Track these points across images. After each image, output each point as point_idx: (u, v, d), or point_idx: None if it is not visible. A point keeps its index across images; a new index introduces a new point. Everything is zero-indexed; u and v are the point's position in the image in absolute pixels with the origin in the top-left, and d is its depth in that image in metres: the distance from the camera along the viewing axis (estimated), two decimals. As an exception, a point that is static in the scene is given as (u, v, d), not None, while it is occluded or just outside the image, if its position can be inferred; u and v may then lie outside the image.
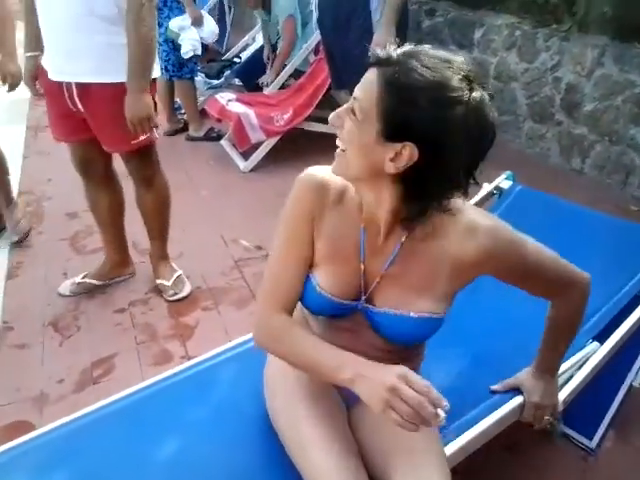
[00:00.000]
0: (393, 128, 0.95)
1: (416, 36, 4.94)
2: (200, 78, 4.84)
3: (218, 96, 4.23)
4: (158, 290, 2.59)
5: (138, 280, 2.69)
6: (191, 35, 4.16)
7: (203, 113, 4.54)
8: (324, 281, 1.15)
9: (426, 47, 0.99)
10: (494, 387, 1.42)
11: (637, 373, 1.76)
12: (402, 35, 3.01)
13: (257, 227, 3.11)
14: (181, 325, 2.39)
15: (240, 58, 5.47)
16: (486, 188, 2.25)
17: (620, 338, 1.60)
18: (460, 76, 0.94)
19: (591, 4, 3.48)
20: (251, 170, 3.92)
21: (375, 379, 0.98)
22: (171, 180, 2.94)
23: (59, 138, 2.35)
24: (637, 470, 1.72)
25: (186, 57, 4.19)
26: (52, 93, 2.20)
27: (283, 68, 4.49)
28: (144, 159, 2.35)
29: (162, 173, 2.49)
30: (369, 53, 1.00)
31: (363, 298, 1.17)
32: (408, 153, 0.95)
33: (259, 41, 5.32)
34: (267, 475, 1.26)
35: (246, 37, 5.72)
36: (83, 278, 2.64)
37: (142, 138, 2.19)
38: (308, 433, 1.15)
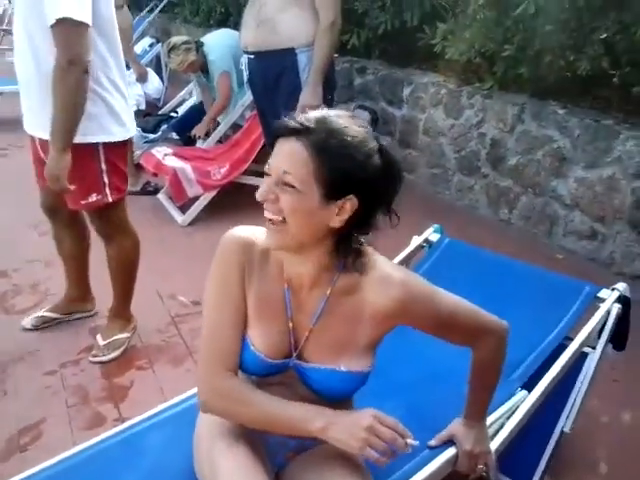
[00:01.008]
0: (335, 188, 1.06)
1: (348, 93, 5.13)
2: (137, 132, 4.82)
3: (154, 150, 4.24)
4: (91, 349, 2.51)
5: (70, 340, 2.60)
6: (135, 91, 4.18)
7: (139, 167, 4.51)
8: (257, 340, 1.18)
9: (326, 111, 1.12)
10: (430, 443, 1.44)
11: (567, 418, 1.82)
12: (330, 94, 3.13)
13: (195, 282, 3.07)
14: (115, 386, 2.32)
15: (177, 112, 5.50)
16: (415, 241, 2.32)
17: (547, 385, 1.66)
18: (365, 129, 1.10)
19: (509, 65, 3.72)
20: (189, 224, 3.91)
21: (350, 423, 1.10)
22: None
23: (40, 185, 2.44)
24: (572, 514, 1.76)
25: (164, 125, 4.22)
26: (31, 143, 2.35)
27: (215, 122, 4.54)
28: (101, 218, 2.36)
29: (127, 233, 2.46)
30: (286, 119, 1.08)
31: (294, 355, 1.21)
32: (350, 205, 1.07)
33: (196, 96, 5.38)
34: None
35: (183, 92, 5.78)
36: (44, 311, 2.71)
37: (92, 200, 2.22)
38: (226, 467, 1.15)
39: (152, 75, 4.29)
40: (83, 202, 2.23)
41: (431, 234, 2.34)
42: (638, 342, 2.01)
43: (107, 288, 2.61)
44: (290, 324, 1.20)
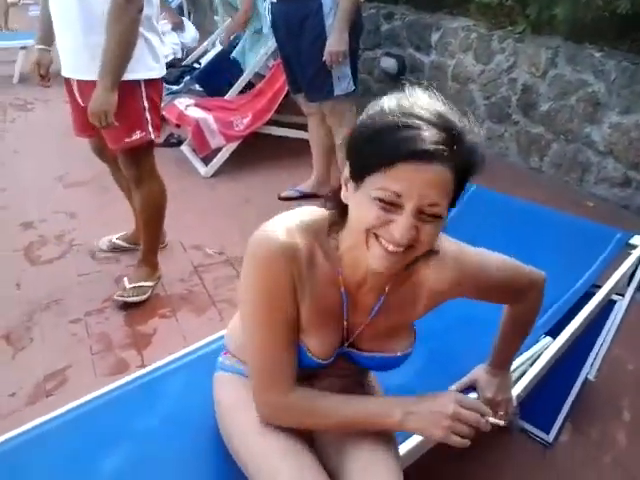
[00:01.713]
0: (458, 196, 0.94)
1: (375, 40, 4.99)
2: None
3: (177, 102, 4.19)
4: (115, 299, 2.54)
5: (95, 289, 2.63)
6: (171, 39, 4.13)
7: (162, 119, 4.48)
8: (314, 347, 1.10)
9: (446, 112, 0.92)
10: (451, 387, 1.42)
11: (591, 366, 1.78)
12: (355, 39, 3.02)
13: (217, 232, 3.08)
14: (138, 334, 2.34)
15: (200, 64, 5.41)
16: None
17: (572, 333, 1.62)
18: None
19: (543, 6, 3.54)
20: (212, 175, 3.88)
21: (431, 411, 1.04)
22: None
23: (77, 133, 2.50)
24: (594, 462, 1.74)
25: (166, 60, 4.15)
26: (68, 89, 2.34)
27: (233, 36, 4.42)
28: (133, 159, 2.38)
29: (156, 178, 2.50)
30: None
31: (346, 344, 1.16)
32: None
33: (219, 46, 5.28)
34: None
35: (206, 42, 5.67)
36: (115, 238, 2.90)
37: (135, 137, 2.25)
38: (261, 442, 1.11)
39: (188, 24, 4.20)
40: (127, 140, 2.25)
41: (458, 181, 2.28)
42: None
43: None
44: (345, 323, 1.13)
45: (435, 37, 4.40)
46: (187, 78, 5.02)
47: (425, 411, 1.04)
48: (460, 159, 0.88)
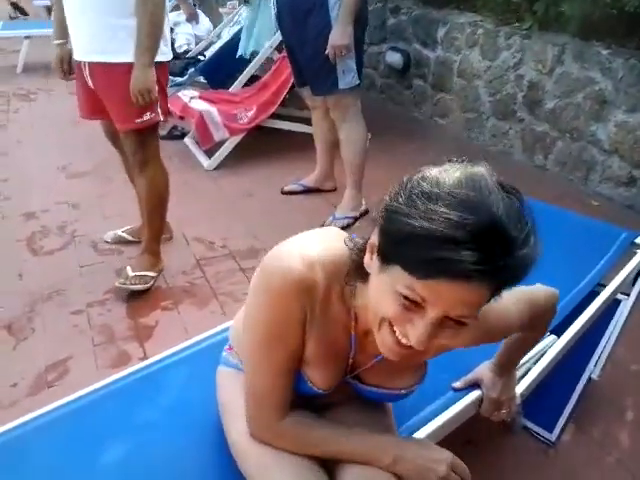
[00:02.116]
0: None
1: (380, 34, 4.97)
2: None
3: (181, 94, 4.17)
4: (117, 290, 2.54)
5: (96, 281, 2.62)
6: (185, 30, 4.13)
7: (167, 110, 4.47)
8: (315, 379, 1.09)
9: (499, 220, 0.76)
10: (455, 384, 1.41)
11: (595, 366, 1.77)
12: (361, 33, 3.00)
13: (220, 225, 3.07)
14: (140, 326, 2.33)
15: (204, 56, 5.40)
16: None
17: (577, 331, 1.61)
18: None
19: (550, 3, 3.52)
20: (215, 168, 3.87)
21: (424, 465, 1.04)
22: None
23: (84, 116, 2.53)
24: (596, 462, 1.73)
25: (180, 51, 4.16)
26: (78, 73, 2.38)
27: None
28: (139, 142, 2.40)
29: (159, 164, 2.52)
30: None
31: (348, 376, 1.14)
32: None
33: (224, 38, 5.26)
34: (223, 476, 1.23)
35: (211, 34, 5.66)
36: (123, 232, 2.92)
37: (146, 118, 2.29)
38: (266, 449, 1.10)
39: (203, 16, 4.18)
40: (138, 120, 2.29)
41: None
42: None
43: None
44: (350, 361, 1.11)
45: (441, 32, 4.37)
46: (191, 70, 5.00)
47: (417, 462, 1.04)
48: (503, 275, 0.77)
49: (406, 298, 0.80)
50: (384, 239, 0.84)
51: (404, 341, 0.86)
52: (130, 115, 2.28)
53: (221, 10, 6.26)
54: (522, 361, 1.50)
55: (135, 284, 2.52)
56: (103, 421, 1.40)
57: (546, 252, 1.93)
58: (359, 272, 0.94)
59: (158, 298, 2.51)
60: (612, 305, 1.76)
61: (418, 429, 1.30)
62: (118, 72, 2.19)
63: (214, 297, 2.53)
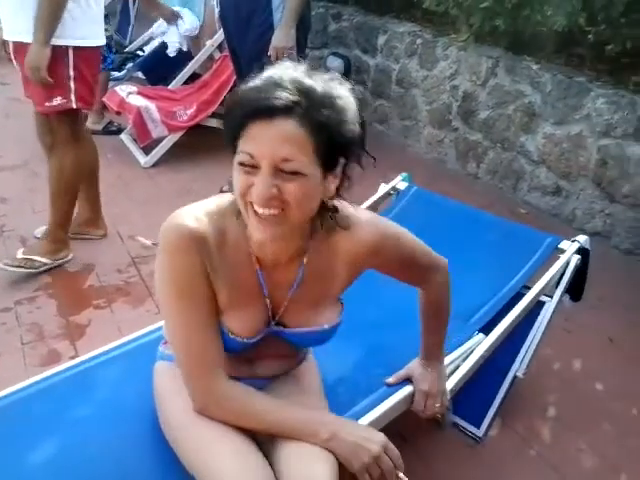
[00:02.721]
0: (333, 158, 0.98)
1: (322, 39, 5.01)
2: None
3: (118, 88, 4.09)
4: (47, 287, 2.46)
5: (26, 277, 2.53)
6: (172, 38, 4.17)
7: (102, 106, 4.36)
8: (234, 327, 1.11)
9: (302, 75, 0.95)
10: (388, 380, 1.45)
11: (520, 364, 1.86)
12: (304, 36, 3.04)
13: (156, 224, 2.98)
14: (71, 324, 2.28)
15: (143, 51, 5.31)
16: (383, 188, 2.31)
17: (504, 330, 1.69)
18: (348, 86, 1.00)
19: (486, 17, 3.65)
20: (152, 165, 3.81)
21: (357, 443, 1.07)
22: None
23: (25, 94, 2.47)
24: (521, 456, 1.81)
25: (172, 55, 4.19)
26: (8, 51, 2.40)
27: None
28: (54, 124, 2.40)
29: (69, 151, 2.45)
30: (267, 61, 1.00)
31: (273, 323, 1.17)
32: (341, 167, 1.01)
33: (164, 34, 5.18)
34: (155, 476, 1.22)
35: (150, 30, 5.55)
36: None
37: (56, 102, 2.28)
38: (203, 435, 1.10)
39: (185, 12, 4.09)
40: (47, 104, 2.28)
41: (399, 182, 2.33)
42: (591, 296, 2.06)
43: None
44: (267, 301, 1.14)
45: (381, 40, 4.46)
46: (130, 65, 4.91)
47: (352, 440, 1.08)
48: (311, 115, 0.91)
49: (242, 164, 0.94)
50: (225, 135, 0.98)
51: (260, 212, 0.95)
52: (41, 97, 2.29)
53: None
54: (452, 358, 1.57)
55: (13, 266, 2.46)
56: (32, 420, 1.37)
57: (476, 255, 2.02)
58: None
59: (91, 296, 2.46)
60: (537, 306, 1.85)
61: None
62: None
63: (149, 296, 2.49)
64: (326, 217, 1.08)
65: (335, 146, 0.96)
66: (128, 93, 3.94)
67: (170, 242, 1.05)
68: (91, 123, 4.28)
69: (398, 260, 1.22)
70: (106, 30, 4.06)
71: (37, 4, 2.12)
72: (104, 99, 4.18)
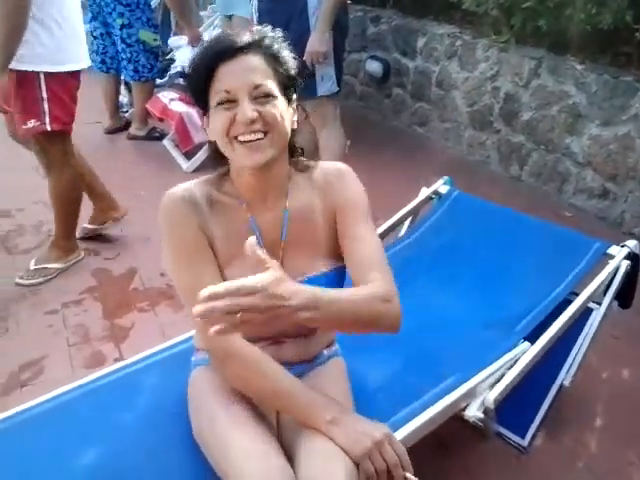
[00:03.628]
0: (288, 89, 1.15)
1: (361, 43, 5.01)
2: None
3: (160, 95, 4.16)
4: (93, 291, 2.52)
5: (72, 281, 2.60)
6: (185, 54, 4.28)
7: (146, 112, 4.45)
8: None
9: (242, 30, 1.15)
10: None
11: (567, 373, 1.81)
12: (341, 40, 3.04)
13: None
14: (116, 327, 2.32)
15: (183, 58, 5.38)
16: (424, 192, 2.28)
17: (550, 338, 1.64)
18: None
19: (527, 18, 3.59)
20: (194, 170, 3.86)
21: (360, 429, 1.06)
22: (109, 179, 2.88)
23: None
24: (567, 468, 1.77)
25: (172, 71, 4.29)
26: None
27: None
28: (41, 147, 2.44)
29: (65, 168, 2.50)
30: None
31: None
32: (295, 101, 1.18)
33: (203, 41, 5.26)
34: (196, 478, 1.22)
35: (191, 37, 5.64)
36: (85, 224, 2.91)
37: (30, 126, 2.29)
38: (229, 436, 1.11)
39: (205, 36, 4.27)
40: (24, 127, 2.30)
41: (440, 186, 2.30)
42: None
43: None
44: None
45: (421, 42, 4.43)
46: (171, 72, 4.99)
47: (353, 426, 1.07)
48: (265, 49, 1.11)
49: (221, 103, 1.08)
50: (193, 93, 1.14)
51: (247, 137, 1.07)
52: (17, 121, 2.32)
53: (202, 13, 6.25)
54: (496, 367, 1.54)
55: (29, 278, 2.55)
56: (78, 421, 1.40)
57: (521, 260, 1.98)
58: (217, 153, 1.16)
59: (134, 299, 2.50)
60: (584, 313, 1.80)
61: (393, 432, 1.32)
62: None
63: (191, 300, 2.51)
64: (297, 157, 1.24)
65: (289, 78, 1.14)
66: (170, 100, 4.01)
67: (166, 211, 1.16)
68: (135, 129, 4.38)
69: (350, 220, 1.20)
70: (155, 40, 4.18)
71: None
72: (147, 106, 4.26)
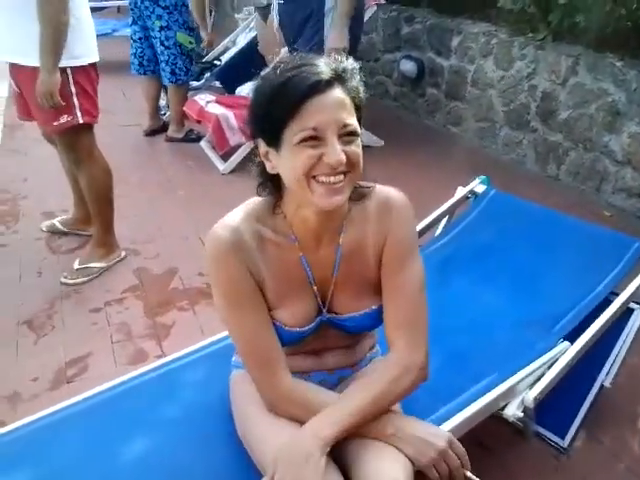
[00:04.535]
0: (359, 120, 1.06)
1: (395, 42, 5.01)
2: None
3: (197, 97, 4.23)
4: (134, 289, 2.58)
5: (114, 280, 2.67)
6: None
7: (183, 114, 4.53)
8: (287, 319, 1.16)
9: (311, 57, 1.06)
10: None
11: (607, 373, 1.79)
12: (353, 38, 3.09)
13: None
14: (157, 325, 2.37)
15: (220, 61, 5.46)
16: (460, 192, 2.28)
17: (590, 338, 1.63)
18: None
19: (565, 14, 3.55)
20: (230, 172, 3.91)
21: (423, 439, 1.08)
22: (148, 179, 2.94)
23: (18, 116, 2.61)
24: (607, 470, 1.75)
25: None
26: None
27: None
28: (70, 142, 2.48)
29: (95, 160, 2.56)
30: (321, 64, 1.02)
31: (324, 311, 1.21)
32: None
33: (240, 44, 5.33)
34: (237, 474, 1.26)
35: (226, 40, 5.72)
36: (56, 220, 3.04)
37: (63, 121, 2.34)
38: (272, 439, 1.13)
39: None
40: (55, 123, 2.35)
41: (477, 185, 2.30)
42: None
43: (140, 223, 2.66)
44: (315, 287, 1.18)
45: (455, 41, 4.41)
46: (207, 75, 5.06)
47: (416, 436, 1.10)
48: (349, 82, 1.04)
49: (305, 140, 0.99)
50: (262, 128, 1.05)
51: (332, 179, 1.01)
52: (47, 117, 2.35)
53: (237, 16, 6.33)
54: (535, 366, 1.54)
55: (74, 278, 2.61)
56: (122, 416, 1.44)
57: (560, 260, 1.97)
58: (272, 186, 1.12)
59: (175, 298, 2.55)
60: (625, 314, 1.79)
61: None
62: (31, 74, 2.22)
63: (229, 299, 2.55)
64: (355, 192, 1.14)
65: (359, 110, 1.06)
66: (207, 102, 4.08)
67: (211, 255, 1.12)
68: (172, 131, 4.46)
69: (401, 248, 1.17)
70: (190, 43, 4.25)
71: (40, 32, 2.13)
72: (184, 108, 4.34)
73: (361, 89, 1.07)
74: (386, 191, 1.18)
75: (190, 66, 4.33)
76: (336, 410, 1.10)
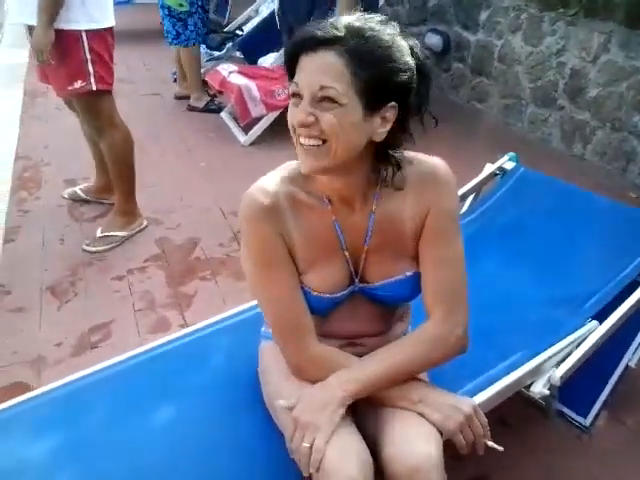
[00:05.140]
0: (376, 97, 0.99)
1: (420, 15, 4.92)
2: (201, 49, 4.77)
3: (220, 67, 4.19)
4: (156, 259, 2.59)
5: (136, 248, 2.68)
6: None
7: (204, 84, 4.49)
8: (317, 284, 1.15)
9: (351, 17, 1.01)
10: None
11: (634, 354, 1.78)
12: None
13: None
14: (179, 294, 2.38)
15: (242, 31, 5.40)
16: (489, 169, 2.25)
17: (618, 319, 1.62)
18: (396, 30, 1.03)
19: (599, -11, 3.45)
20: (251, 144, 3.89)
21: (450, 404, 1.09)
22: (169, 150, 2.93)
23: (39, 79, 2.60)
24: (629, 450, 1.74)
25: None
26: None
27: None
28: (89, 108, 2.49)
29: (116, 126, 2.57)
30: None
31: (357, 280, 1.19)
32: (392, 113, 1.01)
33: (262, 14, 5.25)
34: (261, 443, 1.26)
35: (249, 10, 5.64)
36: (78, 188, 3.06)
37: (77, 86, 2.35)
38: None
39: None
40: (69, 88, 2.36)
41: (506, 162, 2.26)
42: None
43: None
44: (346, 253, 1.16)
45: (484, 15, 4.32)
46: (229, 45, 5.01)
47: (443, 402, 1.10)
48: (354, 49, 0.96)
49: (293, 95, 1.01)
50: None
51: (301, 140, 1.00)
52: (62, 82, 2.36)
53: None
54: (563, 345, 1.52)
55: (96, 246, 2.63)
56: (148, 384, 1.45)
57: (589, 240, 1.94)
58: None
59: (196, 268, 2.56)
60: (654, 295, 1.76)
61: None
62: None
63: (250, 270, 2.56)
64: (391, 170, 1.10)
65: (379, 85, 0.98)
66: (229, 72, 4.03)
67: (245, 217, 1.11)
68: (193, 100, 4.44)
69: (444, 219, 1.14)
70: (181, 5, 4.11)
71: None
72: (206, 78, 4.30)
73: (383, 59, 0.98)
74: (432, 161, 1.15)
75: (184, 30, 4.20)
76: (365, 368, 1.11)
